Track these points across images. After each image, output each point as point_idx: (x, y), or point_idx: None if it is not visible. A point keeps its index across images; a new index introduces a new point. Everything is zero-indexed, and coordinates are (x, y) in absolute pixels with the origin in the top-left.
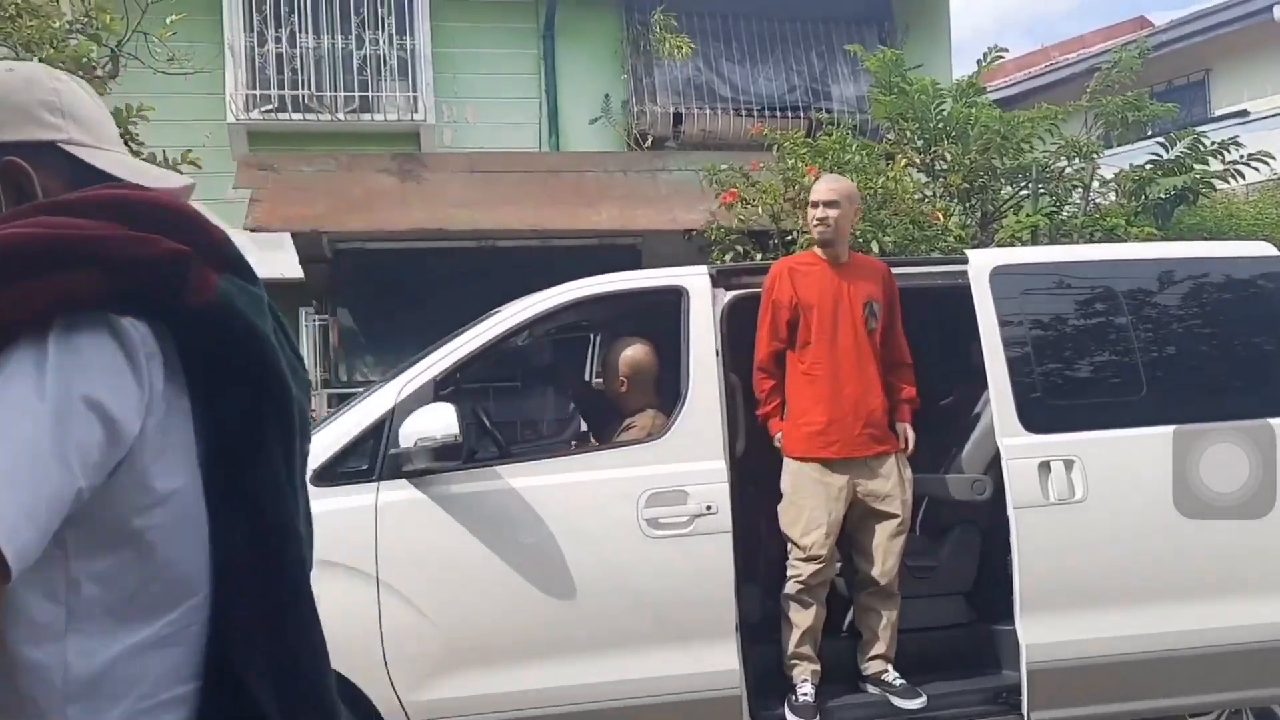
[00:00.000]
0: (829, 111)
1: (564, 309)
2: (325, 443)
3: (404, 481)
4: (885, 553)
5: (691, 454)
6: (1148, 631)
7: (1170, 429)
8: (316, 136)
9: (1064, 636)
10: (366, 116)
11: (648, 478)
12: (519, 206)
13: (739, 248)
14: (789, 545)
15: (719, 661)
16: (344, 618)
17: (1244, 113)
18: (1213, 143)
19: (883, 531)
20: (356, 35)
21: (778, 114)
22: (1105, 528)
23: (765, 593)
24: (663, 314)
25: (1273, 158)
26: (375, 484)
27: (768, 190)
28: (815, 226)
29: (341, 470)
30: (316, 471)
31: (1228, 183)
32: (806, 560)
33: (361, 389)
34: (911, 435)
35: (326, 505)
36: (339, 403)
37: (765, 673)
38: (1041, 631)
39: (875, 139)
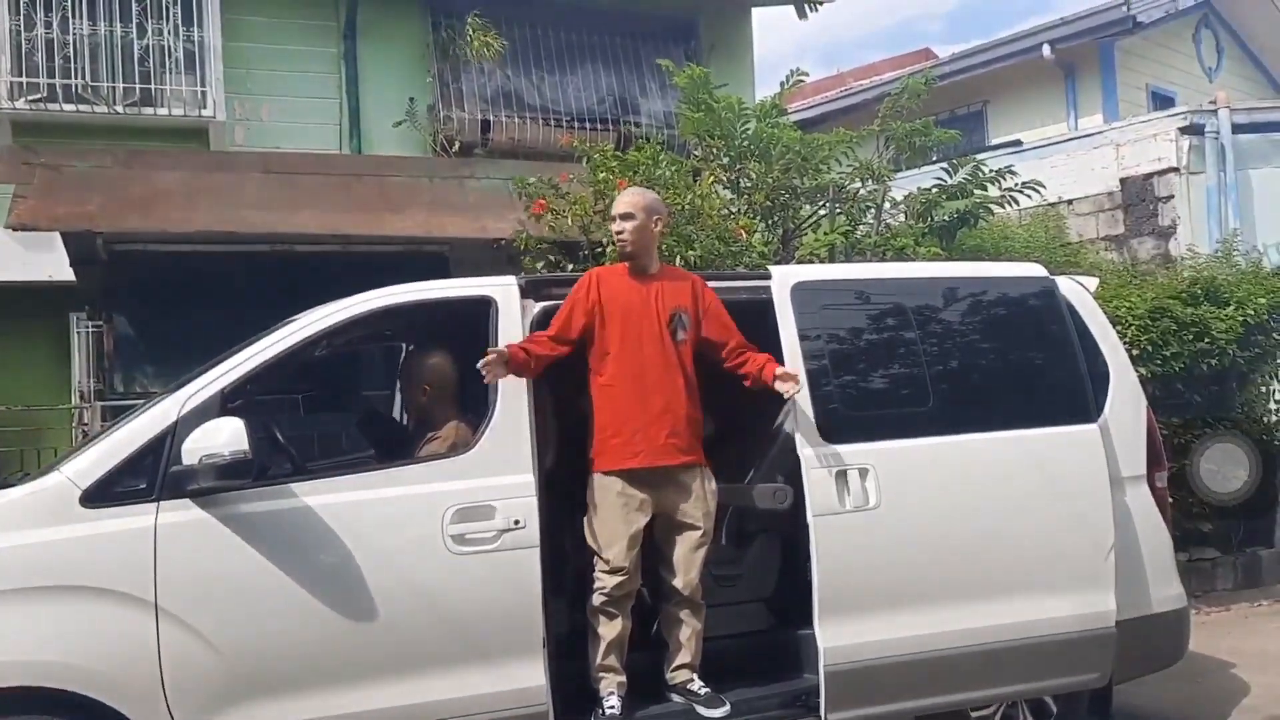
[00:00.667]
0: (638, 125)
1: (366, 318)
2: (97, 460)
3: (187, 501)
4: (688, 564)
5: (499, 468)
6: (937, 631)
7: (956, 438)
8: (93, 130)
9: (860, 639)
10: (149, 110)
11: (454, 493)
12: (318, 210)
13: (549, 258)
14: (594, 557)
15: (526, 678)
16: (117, 649)
17: (1018, 142)
18: (990, 170)
19: (685, 543)
20: (138, 24)
21: (588, 126)
22: (897, 533)
23: (573, 607)
24: (470, 324)
25: (1043, 186)
26: (154, 504)
27: (578, 202)
28: (618, 240)
29: (116, 490)
30: (87, 492)
31: (1004, 208)
32: (610, 572)
33: (140, 401)
34: (785, 370)
35: (98, 528)
36: (114, 416)
37: (573, 688)
38: (839, 635)
39: (683, 155)
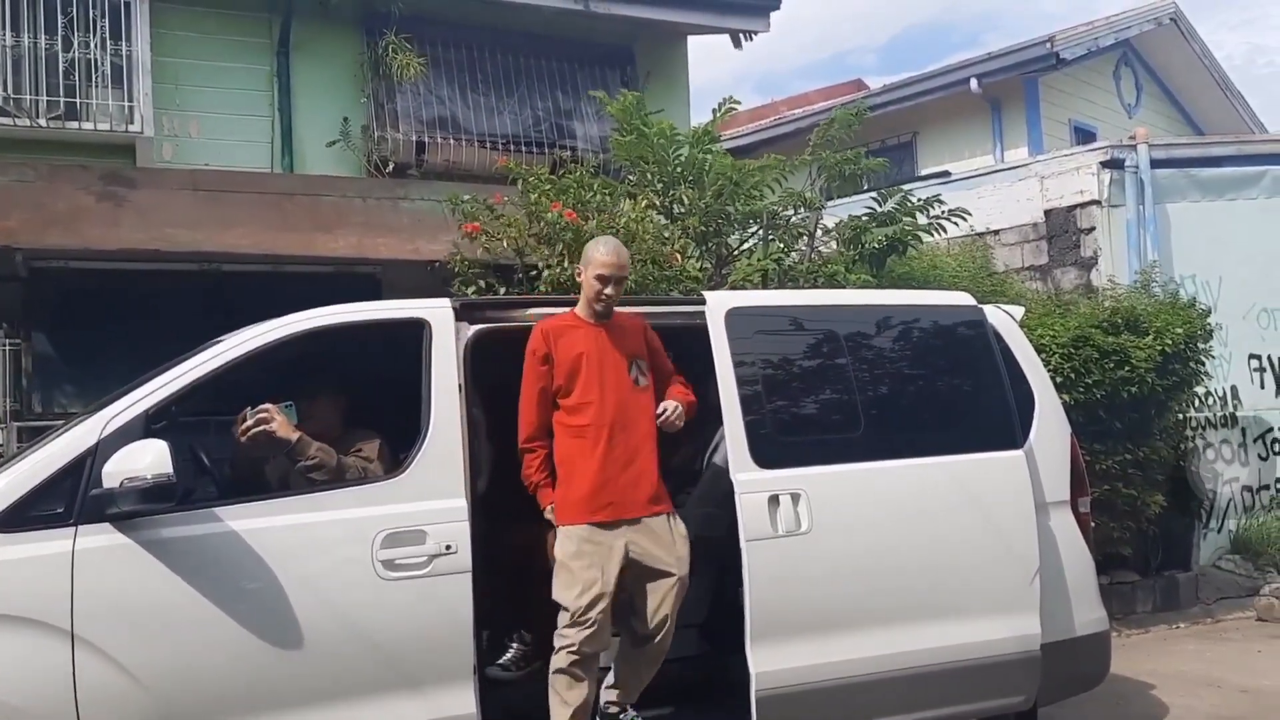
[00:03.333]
0: (573, 149)
1: (296, 339)
2: (13, 483)
3: (107, 526)
4: (660, 611)
5: (431, 492)
6: (867, 655)
7: (887, 464)
8: (14, 143)
9: (791, 664)
10: (74, 124)
11: (383, 517)
12: (248, 229)
13: (483, 281)
14: (560, 613)
15: (456, 705)
16: (29, 679)
17: (946, 173)
18: (919, 199)
19: (657, 591)
20: (64, 36)
21: (523, 149)
22: (829, 558)
23: (505, 633)
24: (402, 347)
25: (968, 214)
26: (72, 528)
27: (512, 224)
28: (600, 300)
29: (32, 514)
30: (1, 516)
31: (932, 236)
32: (578, 625)
33: (60, 422)
34: (673, 405)
35: (12, 553)
36: (31, 437)
37: (503, 715)
38: (770, 660)
39: (617, 179)
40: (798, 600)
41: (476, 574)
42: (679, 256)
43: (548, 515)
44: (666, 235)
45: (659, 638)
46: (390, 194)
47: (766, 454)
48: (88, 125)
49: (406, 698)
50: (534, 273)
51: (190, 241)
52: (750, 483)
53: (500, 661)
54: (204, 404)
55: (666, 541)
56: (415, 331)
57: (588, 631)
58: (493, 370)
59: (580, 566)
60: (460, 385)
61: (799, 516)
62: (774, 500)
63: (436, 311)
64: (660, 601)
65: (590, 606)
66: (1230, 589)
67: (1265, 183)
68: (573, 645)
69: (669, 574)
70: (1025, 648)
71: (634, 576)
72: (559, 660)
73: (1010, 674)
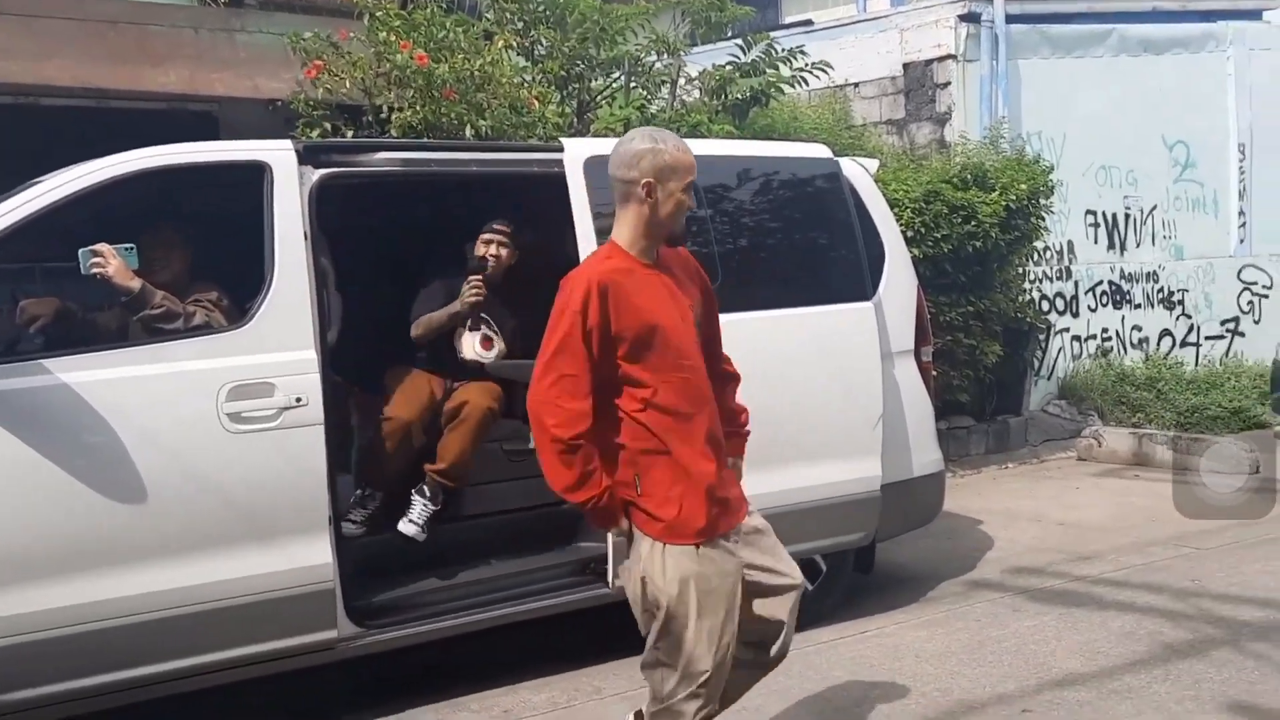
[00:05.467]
0: None
1: (123, 181)
2: None
3: None
4: (788, 633)
5: (278, 344)
6: None
7: (743, 315)
8: None
9: None
10: None
11: (228, 369)
12: (67, 60)
13: (329, 123)
14: (663, 672)
15: (311, 556)
16: None
17: (809, 22)
18: (782, 49)
19: (782, 605)
20: None
21: None
22: None
23: (359, 483)
24: (241, 192)
25: (831, 67)
26: None
27: (359, 64)
28: (678, 212)
29: None
30: None
31: (795, 88)
32: (695, 696)
33: None
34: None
35: None
36: None
37: (359, 563)
38: None
39: (474, 16)
40: None
41: (329, 426)
42: (538, 101)
43: (617, 535)
44: (525, 79)
45: (782, 657)
46: (225, 25)
47: None
48: None
49: (261, 550)
50: (384, 115)
51: (2, 73)
52: None
53: (351, 517)
54: (27, 249)
55: (770, 542)
56: (255, 175)
57: (702, 702)
58: (340, 217)
59: (703, 610)
60: (306, 233)
61: None
62: None
63: (277, 154)
64: (788, 622)
65: (719, 669)
66: (1056, 432)
67: (1112, 41)
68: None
69: (792, 584)
70: (867, 489)
71: (748, 599)
72: None
73: (852, 513)
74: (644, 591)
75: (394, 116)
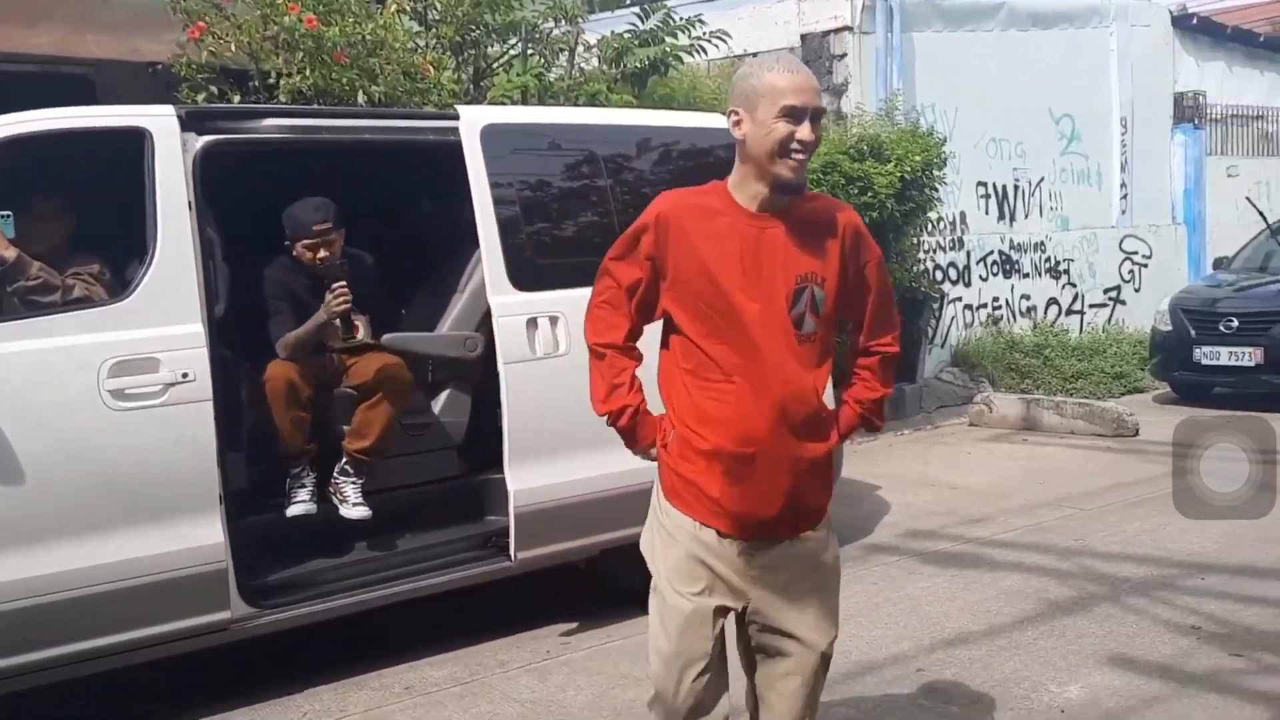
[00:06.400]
0: None
1: None
2: None
3: None
4: None
5: (162, 317)
6: (619, 470)
7: None
8: None
9: (546, 481)
10: None
11: (110, 344)
12: None
13: (214, 88)
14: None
15: (202, 536)
16: None
17: None
18: (680, 18)
19: (784, 684)
20: None
21: None
22: (585, 378)
23: (250, 460)
24: (119, 159)
25: (729, 36)
26: None
27: (244, 26)
28: (794, 157)
29: None
30: None
31: (694, 57)
32: (656, 703)
33: None
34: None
35: None
36: None
37: (252, 542)
38: (527, 478)
39: None
40: (556, 421)
41: (219, 402)
42: (432, 68)
43: (646, 456)
44: (419, 44)
45: None
46: None
47: (524, 277)
48: None
49: (150, 531)
50: (272, 80)
51: None
52: (508, 306)
53: (297, 498)
54: None
55: (806, 588)
56: (135, 142)
57: None
58: (226, 185)
59: (665, 617)
60: (190, 202)
61: (557, 339)
62: (532, 323)
63: (158, 120)
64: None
65: (675, 700)
66: (949, 399)
67: (1002, 15)
68: None
69: (801, 661)
70: None
71: (748, 654)
72: None
73: None
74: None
75: (282, 82)
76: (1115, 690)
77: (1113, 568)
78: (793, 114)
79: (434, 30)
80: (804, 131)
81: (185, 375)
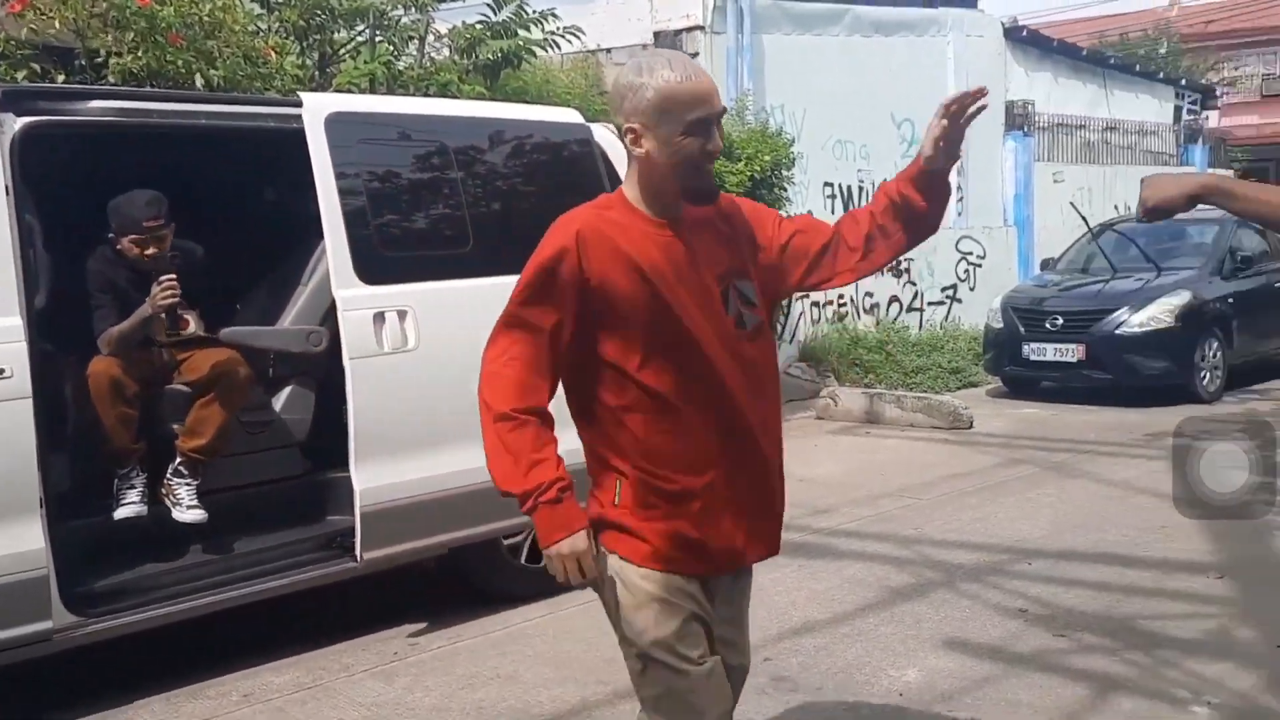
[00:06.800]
0: None
1: None
2: None
3: None
4: None
5: None
6: (470, 467)
7: (495, 280)
8: None
9: (396, 479)
10: None
11: None
12: None
13: (36, 65)
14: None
15: (20, 542)
16: None
17: None
18: (534, 11)
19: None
20: None
21: None
22: (434, 374)
23: (73, 461)
24: None
25: (583, 32)
26: None
27: (70, 1)
28: (685, 163)
29: None
30: None
31: (547, 51)
32: None
33: None
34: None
35: None
36: None
37: (77, 547)
38: (375, 476)
39: None
40: (404, 417)
41: (39, 400)
42: (274, 52)
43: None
44: (261, 27)
45: None
46: None
47: (371, 270)
48: None
49: None
50: (100, 60)
51: None
52: (354, 299)
53: (127, 500)
54: None
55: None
56: None
57: None
58: (48, 169)
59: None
60: (7, 186)
61: (406, 334)
62: (379, 317)
63: None
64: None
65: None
66: (797, 393)
67: (847, 20)
68: None
69: (743, 669)
70: None
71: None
72: None
73: None
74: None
75: (112, 62)
76: (950, 672)
77: (948, 555)
78: (700, 127)
79: (276, 13)
80: (714, 142)
81: (2, 372)
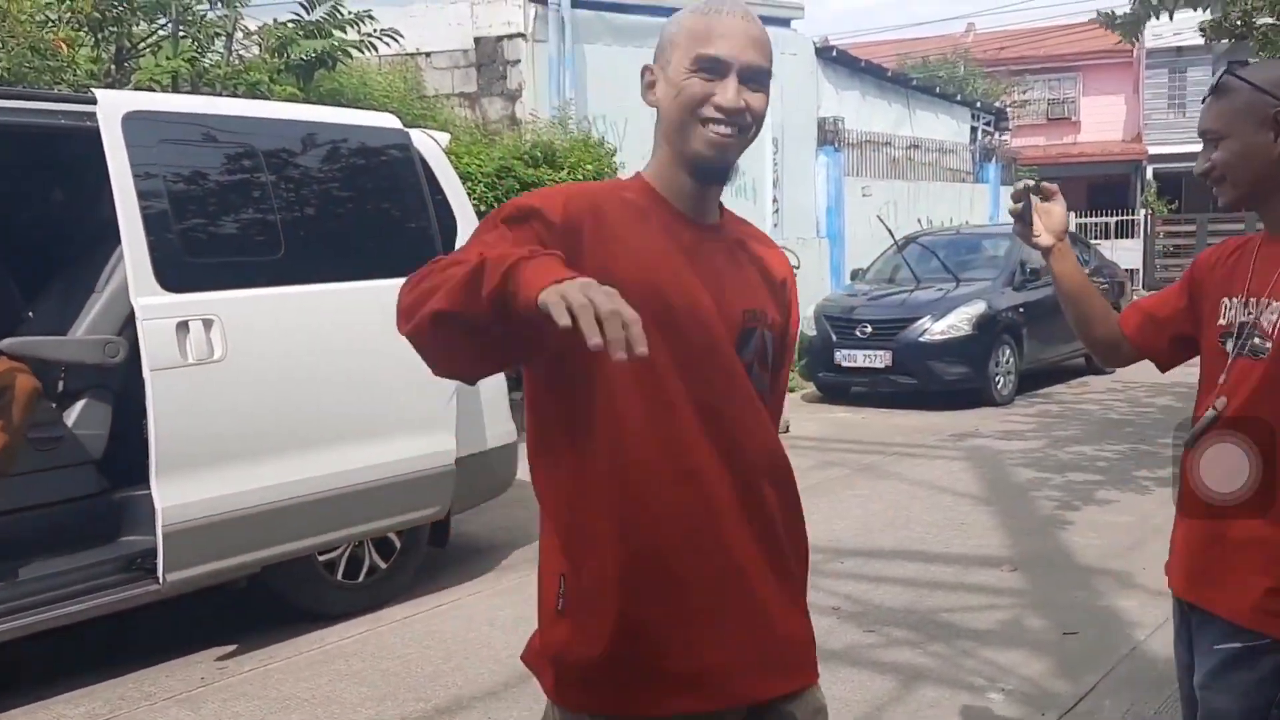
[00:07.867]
0: None
1: None
2: None
3: None
4: None
5: None
6: (283, 481)
7: (307, 288)
8: None
9: (202, 495)
10: None
11: None
12: None
13: None
14: None
15: None
16: None
17: None
18: (349, 12)
19: None
20: None
21: None
22: (244, 386)
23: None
24: None
25: (401, 35)
26: None
27: None
28: (688, 106)
29: None
30: None
31: (363, 53)
32: None
33: None
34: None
35: None
36: None
37: None
38: (178, 493)
39: None
40: (210, 430)
41: None
42: (65, 45)
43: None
44: (50, 17)
45: None
46: None
47: (174, 277)
48: None
49: None
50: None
51: None
52: (155, 308)
53: None
54: None
55: None
56: None
57: None
58: None
59: None
60: None
61: (212, 343)
62: (183, 326)
63: None
64: None
65: None
66: None
67: None
68: None
69: None
70: (441, 463)
71: None
72: None
73: (426, 488)
74: None
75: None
76: None
77: None
78: (711, 66)
79: (69, 4)
80: (725, 94)
81: None
